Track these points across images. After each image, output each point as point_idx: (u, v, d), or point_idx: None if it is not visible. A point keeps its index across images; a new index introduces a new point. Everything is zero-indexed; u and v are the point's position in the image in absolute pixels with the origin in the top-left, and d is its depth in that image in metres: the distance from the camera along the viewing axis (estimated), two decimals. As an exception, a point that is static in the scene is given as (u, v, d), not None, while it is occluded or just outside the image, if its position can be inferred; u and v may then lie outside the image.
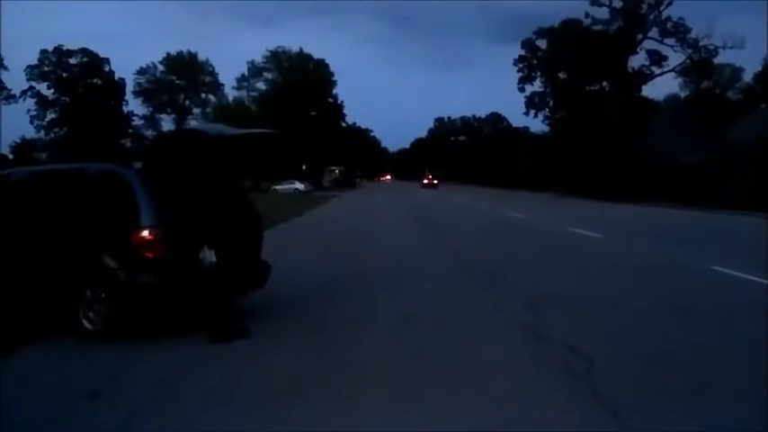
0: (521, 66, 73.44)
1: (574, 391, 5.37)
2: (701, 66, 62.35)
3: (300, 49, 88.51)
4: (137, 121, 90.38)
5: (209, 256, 7.48)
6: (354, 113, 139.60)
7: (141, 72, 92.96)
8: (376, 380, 5.66)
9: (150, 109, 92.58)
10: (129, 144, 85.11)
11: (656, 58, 61.79)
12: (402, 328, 7.66)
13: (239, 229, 7.85)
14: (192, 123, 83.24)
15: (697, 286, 10.77)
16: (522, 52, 73.05)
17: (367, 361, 6.25)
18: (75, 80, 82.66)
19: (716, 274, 11.69)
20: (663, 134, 51.19)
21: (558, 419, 4.77)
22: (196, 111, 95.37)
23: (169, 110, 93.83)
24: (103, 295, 6.97)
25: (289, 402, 5.07)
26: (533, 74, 72.71)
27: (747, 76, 71.52)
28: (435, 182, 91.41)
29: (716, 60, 62.01)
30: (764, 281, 10.64)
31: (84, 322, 6.98)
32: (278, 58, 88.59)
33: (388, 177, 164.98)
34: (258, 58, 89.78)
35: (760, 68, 65.56)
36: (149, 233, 6.86)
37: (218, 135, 7.43)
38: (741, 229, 23.13)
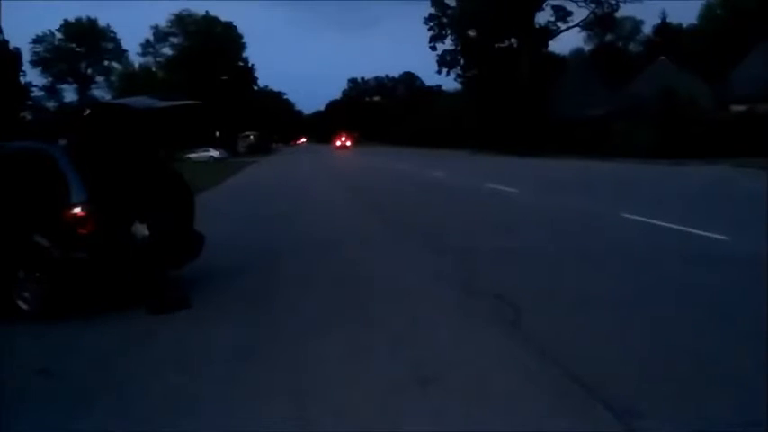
0: (431, 24, 73.54)
1: (505, 335, 5.82)
2: (603, 20, 64.38)
3: (206, 11, 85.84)
4: (36, 93, 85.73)
5: (141, 229, 7.48)
6: (266, 77, 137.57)
7: (38, 41, 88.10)
8: (318, 336, 5.94)
9: (50, 79, 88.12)
10: (29, 116, 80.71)
11: (562, 14, 63.29)
12: (337, 288, 7.95)
13: (170, 202, 7.88)
14: (100, 97, 79.78)
15: (608, 233, 11.51)
16: (432, 10, 73.26)
17: (308, 322, 6.51)
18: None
19: (625, 221, 12.48)
20: (570, 88, 52.81)
21: (493, 361, 5.18)
22: (99, 79, 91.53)
23: (70, 79, 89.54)
24: (38, 274, 6.93)
25: (233, 368, 5.28)
26: (444, 32, 72.99)
27: (647, 29, 74.63)
28: (348, 144, 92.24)
29: (617, 14, 64.25)
30: (669, 225, 11.46)
31: (20, 303, 6.93)
32: (183, 21, 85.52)
33: (303, 141, 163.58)
34: (163, 23, 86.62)
35: (659, 21, 68.43)
36: (81, 210, 6.83)
37: (145, 108, 7.39)
38: (645, 177, 24.45)
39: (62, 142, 7.21)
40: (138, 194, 7.39)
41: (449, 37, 72.72)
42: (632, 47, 77.03)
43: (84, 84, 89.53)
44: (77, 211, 6.82)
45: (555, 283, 7.75)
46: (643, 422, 3.97)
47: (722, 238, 10.08)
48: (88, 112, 7.47)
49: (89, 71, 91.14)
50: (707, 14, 68.62)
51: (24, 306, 6.92)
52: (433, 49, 73.58)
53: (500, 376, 4.82)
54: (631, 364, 4.95)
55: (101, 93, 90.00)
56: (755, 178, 21.16)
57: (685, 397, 4.32)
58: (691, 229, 10.85)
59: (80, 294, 7.02)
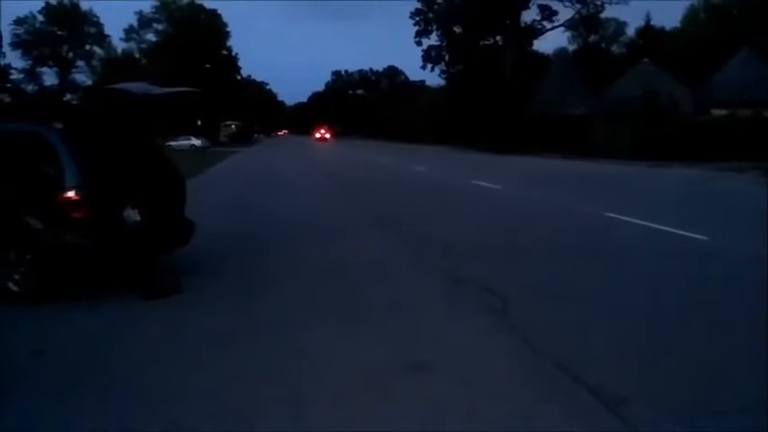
0: (417, 19, 73.85)
1: (493, 324, 5.97)
2: (588, 20, 65.07)
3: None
4: (15, 75, 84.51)
5: (133, 214, 7.52)
6: (250, 66, 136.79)
7: (19, 22, 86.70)
8: (307, 324, 6.04)
9: (30, 62, 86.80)
10: (7, 99, 79.59)
11: (547, 13, 63.95)
12: (326, 279, 8.05)
13: (162, 188, 7.92)
14: (81, 82, 78.85)
15: (592, 230, 11.72)
16: (419, 5, 73.44)
17: (298, 308, 6.61)
18: (-59, 32, 76.06)
19: (608, 220, 12.71)
20: (553, 87, 53.21)
21: (481, 348, 5.34)
22: (80, 63, 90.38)
23: (51, 63, 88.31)
24: (29, 257, 6.94)
25: (222, 352, 5.39)
26: (430, 27, 73.32)
27: (630, 31, 75.37)
28: (327, 136, 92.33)
29: (602, 15, 64.92)
30: (650, 224, 11.70)
31: (10, 285, 6.93)
32: (168, 8, 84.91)
33: (285, 132, 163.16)
34: (147, 8, 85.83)
35: (642, 23, 69.10)
36: (75, 193, 6.85)
37: (143, 94, 7.43)
38: (626, 178, 24.80)
39: (57, 125, 7.22)
40: (131, 179, 7.42)
41: (434, 32, 73.07)
42: (615, 48, 77.79)
43: (64, 68, 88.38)
44: (71, 194, 6.83)
45: (538, 277, 7.93)
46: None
47: (702, 237, 10.33)
48: (85, 95, 7.48)
49: (70, 55, 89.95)
50: (690, 18, 69.46)
51: (15, 288, 6.91)
52: (419, 44, 73.96)
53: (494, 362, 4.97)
54: (607, 352, 5.12)
55: (82, 77, 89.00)
56: (733, 181, 21.59)
57: (663, 380, 4.49)
58: (673, 230, 11.08)
59: (71, 277, 7.05)
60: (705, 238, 10.32)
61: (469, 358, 5.13)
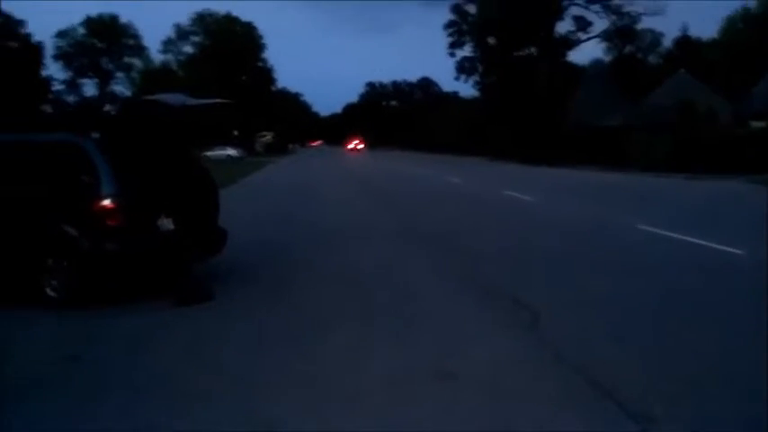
0: (451, 30, 73.90)
1: (522, 338, 5.95)
2: (623, 31, 64.33)
3: (228, 11, 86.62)
4: (57, 86, 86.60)
5: (167, 223, 7.67)
6: (285, 78, 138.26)
7: (61, 35, 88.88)
8: (334, 333, 6.09)
9: (71, 73, 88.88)
10: (49, 110, 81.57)
11: (582, 24, 63.33)
12: (359, 287, 8.10)
13: (196, 198, 8.06)
14: (119, 93, 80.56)
15: (625, 243, 11.58)
16: (452, 17, 73.52)
17: (324, 318, 6.67)
18: (-11, 43, 78.31)
19: (641, 233, 12.55)
20: (588, 98, 52.75)
21: (510, 360, 5.33)
22: (119, 75, 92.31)
23: (91, 74, 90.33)
24: (66, 264, 7.13)
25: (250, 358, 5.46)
26: (463, 39, 73.31)
27: (667, 42, 74.32)
28: (360, 147, 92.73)
29: (638, 26, 64.15)
30: (685, 238, 11.53)
31: (48, 291, 7.13)
32: (205, 20, 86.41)
33: (319, 142, 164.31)
34: (184, 21, 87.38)
35: (679, 34, 68.19)
36: (111, 202, 7.03)
37: (180, 106, 7.60)
38: (662, 190, 24.44)
39: (94, 135, 7.42)
40: (167, 189, 7.58)
41: (468, 44, 72.98)
42: (652, 59, 76.73)
43: (104, 79, 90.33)
44: (107, 203, 7.01)
45: (568, 289, 7.87)
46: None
47: (736, 251, 10.15)
48: (123, 106, 7.68)
49: (110, 66, 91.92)
50: (728, 28, 68.26)
51: (52, 294, 7.12)
52: (452, 55, 73.94)
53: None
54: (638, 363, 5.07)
55: (120, 88, 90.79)
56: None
57: (695, 400, 4.43)
58: (706, 243, 10.90)
59: (107, 284, 7.21)
60: (739, 251, 10.13)
61: (495, 368, 5.13)
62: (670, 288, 8.03)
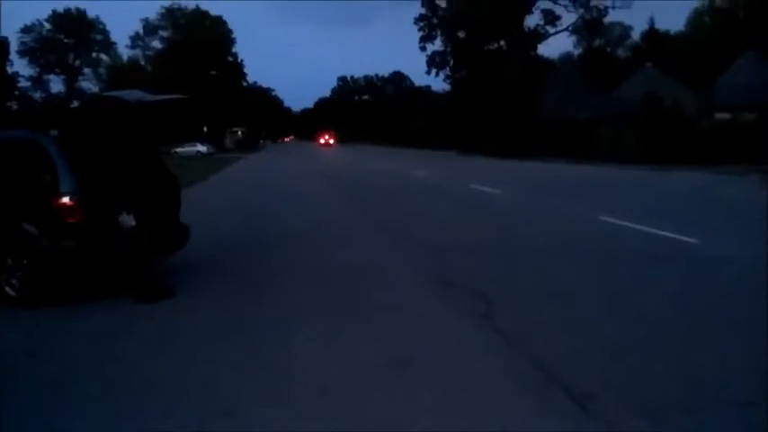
0: (422, 24, 73.93)
1: (477, 326, 6.10)
2: (592, 25, 65.07)
3: (197, 5, 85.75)
4: (23, 83, 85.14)
5: (128, 220, 7.67)
6: (256, 73, 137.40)
7: (26, 30, 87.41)
8: (299, 323, 6.18)
9: (37, 69, 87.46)
10: (15, 107, 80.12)
11: (551, 18, 63.81)
12: (321, 280, 8.19)
13: (157, 193, 8.06)
14: (87, 89, 79.34)
15: (585, 234, 11.82)
16: (423, 11, 73.56)
17: (290, 309, 6.76)
18: (-51, 40, 76.67)
19: (603, 224, 12.80)
20: (557, 92, 53.27)
21: (464, 346, 5.50)
22: (87, 71, 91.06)
23: (58, 70, 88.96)
24: (26, 262, 7.11)
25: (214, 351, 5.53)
26: (434, 33, 73.37)
27: (635, 35, 75.40)
28: (331, 141, 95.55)
29: (606, 20, 64.91)
30: (643, 228, 11.80)
31: (7, 289, 7.11)
32: (173, 15, 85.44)
33: (291, 138, 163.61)
34: (152, 16, 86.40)
35: (647, 27, 69.18)
36: (70, 199, 7.02)
37: (137, 102, 7.59)
38: (627, 182, 24.82)
39: (53, 132, 7.39)
40: (127, 185, 7.57)
41: (439, 38, 73.06)
42: (620, 52, 77.81)
43: (71, 75, 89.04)
44: (66, 200, 7.01)
45: (527, 280, 8.05)
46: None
47: (693, 241, 10.42)
48: (81, 103, 7.67)
49: (77, 62, 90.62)
50: (694, 22, 69.41)
51: (12, 292, 7.09)
52: (423, 49, 73.94)
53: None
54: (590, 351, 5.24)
55: (88, 85, 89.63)
56: (734, 186, 21.62)
57: (638, 380, 4.61)
58: (665, 233, 11.16)
59: (67, 282, 7.20)
60: (696, 241, 10.41)
61: (450, 355, 5.26)
62: (624, 277, 8.26)
